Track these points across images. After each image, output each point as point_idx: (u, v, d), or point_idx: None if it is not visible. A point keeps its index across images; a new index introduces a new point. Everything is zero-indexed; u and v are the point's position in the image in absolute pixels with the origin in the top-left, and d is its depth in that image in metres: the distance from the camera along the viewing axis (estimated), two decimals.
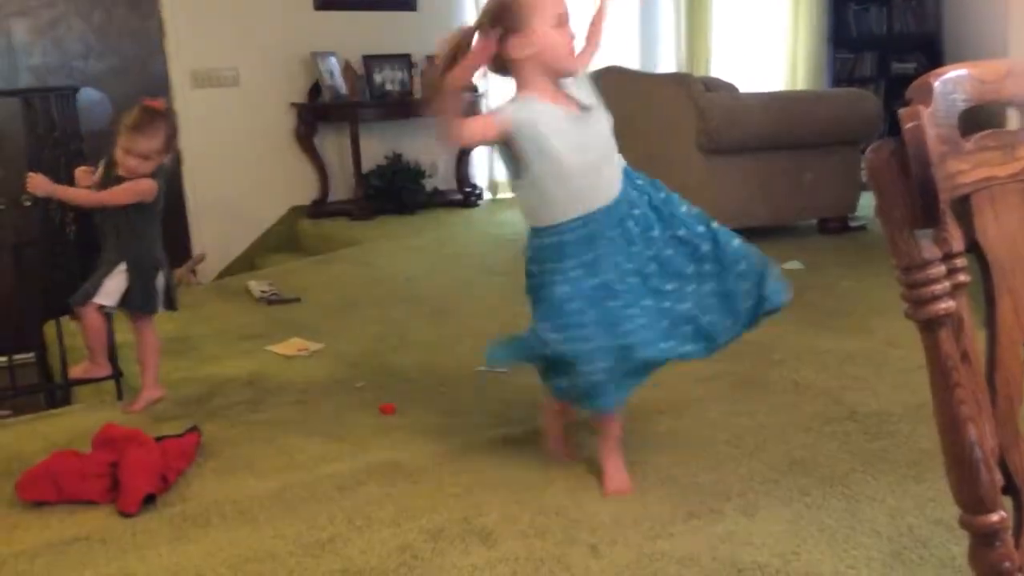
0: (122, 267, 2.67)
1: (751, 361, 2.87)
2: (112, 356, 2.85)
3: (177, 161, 5.52)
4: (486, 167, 6.56)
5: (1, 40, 5.12)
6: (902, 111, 0.73)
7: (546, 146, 1.91)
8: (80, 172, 2.74)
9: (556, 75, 1.96)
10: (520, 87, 1.97)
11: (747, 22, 7.21)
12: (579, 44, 2.00)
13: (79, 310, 2.70)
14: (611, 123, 2.02)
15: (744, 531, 1.83)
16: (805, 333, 3.17)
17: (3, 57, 5.12)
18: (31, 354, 3.86)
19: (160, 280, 2.75)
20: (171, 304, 2.82)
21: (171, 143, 2.70)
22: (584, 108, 1.96)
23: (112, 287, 2.67)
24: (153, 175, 2.66)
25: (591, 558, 1.76)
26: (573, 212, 1.96)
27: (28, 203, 2.78)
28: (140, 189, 2.65)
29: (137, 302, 2.72)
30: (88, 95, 4.04)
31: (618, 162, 2.04)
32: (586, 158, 1.95)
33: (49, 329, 3.60)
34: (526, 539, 1.85)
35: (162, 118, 2.66)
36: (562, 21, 1.93)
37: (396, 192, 5.95)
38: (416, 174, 6.09)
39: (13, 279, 3.13)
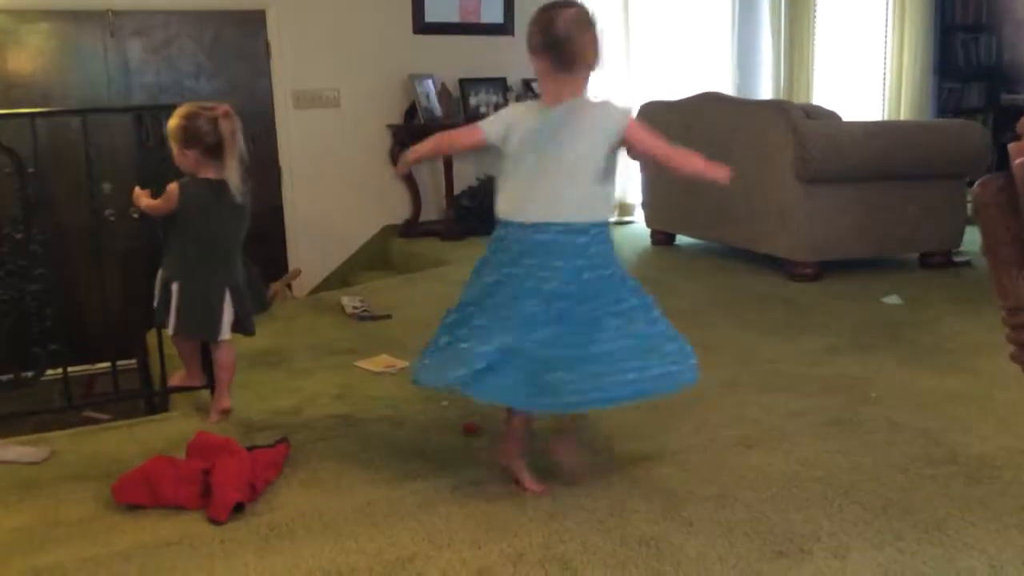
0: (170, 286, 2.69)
1: (845, 397, 2.79)
2: (207, 367, 2.94)
3: (277, 178, 5.69)
4: None
5: (119, 59, 5.36)
6: (1011, 145, 0.70)
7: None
8: (137, 193, 2.72)
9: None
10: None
11: (850, 49, 7.07)
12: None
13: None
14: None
15: (834, 573, 1.77)
16: (903, 370, 3.06)
17: (120, 75, 5.37)
18: (133, 361, 4.01)
19: (186, 299, 2.67)
20: (242, 327, 2.77)
21: (192, 142, 2.61)
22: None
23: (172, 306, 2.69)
24: (181, 183, 2.64)
25: None
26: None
27: (135, 215, 2.88)
28: (165, 194, 2.62)
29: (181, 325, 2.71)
30: None
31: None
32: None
33: (151, 337, 3.74)
34: (608, 568, 1.82)
35: (184, 119, 2.61)
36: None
37: (486, 213, 5.97)
38: None
39: (120, 288, 3.25)
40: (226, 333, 2.74)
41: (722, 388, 2.95)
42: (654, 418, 2.62)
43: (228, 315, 2.72)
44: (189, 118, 2.62)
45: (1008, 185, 0.70)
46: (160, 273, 2.73)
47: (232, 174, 2.63)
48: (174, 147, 2.66)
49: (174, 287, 2.68)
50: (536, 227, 2.10)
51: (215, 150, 2.63)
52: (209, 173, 2.66)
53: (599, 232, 2.13)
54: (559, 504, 2.12)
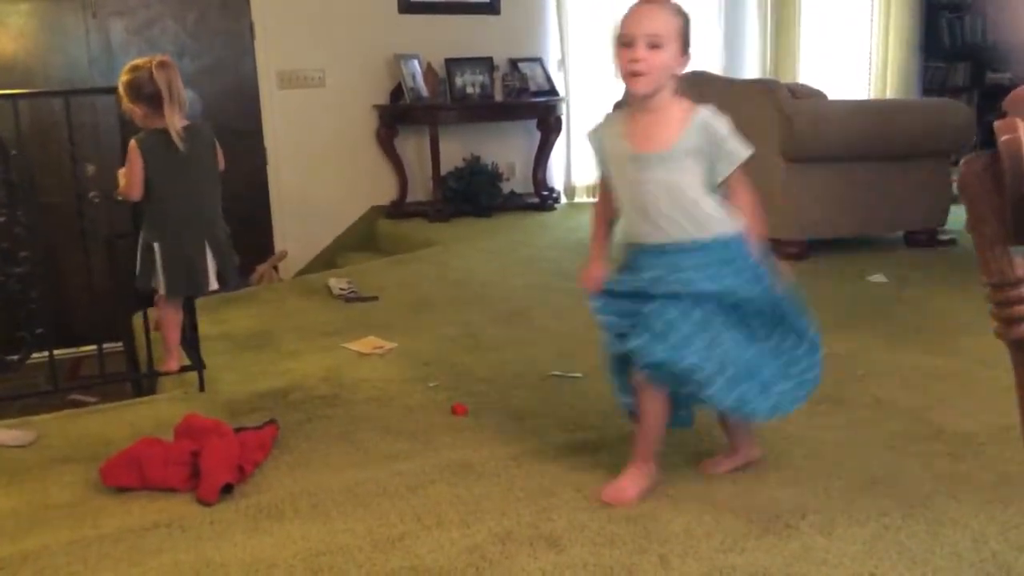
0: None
1: (832, 375, 2.79)
2: (195, 348, 2.93)
3: (263, 160, 5.66)
4: (563, 171, 6.55)
5: (100, 38, 5.31)
6: (997, 123, 0.70)
7: None
8: (120, 173, 2.77)
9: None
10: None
11: (835, 29, 7.07)
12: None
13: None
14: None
15: (820, 549, 1.79)
16: (889, 348, 3.08)
17: (103, 55, 5.32)
18: (120, 344, 3.99)
19: (169, 256, 2.73)
20: (223, 280, 2.83)
21: (136, 96, 2.66)
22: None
23: None
24: (137, 138, 2.69)
25: (660, 569, 1.74)
26: None
27: (120, 198, 2.87)
28: (128, 156, 2.70)
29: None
30: None
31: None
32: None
33: (137, 319, 3.73)
34: (595, 547, 1.83)
35: (127, 73, 2.69)
36: (625, 42, 1.93)
37: (473, 194, 5.99)
38: (493, 177, 6.12)
39: (105, 270, 3.24)
40: (213, 284, 2.80)
41: None
42: None
43: (212, 267, 2.77)
44: (132, 71, 2.69)
45: (993, 164, 0.70)
46: (141, 241, 2.77)
47: (171, 121, 2.66)
48: (126, 103, 2.71)
49: (156, 247, 2.72)
50: None
51: (157, 100, 2.66)
52: (158, 124, 2.70)
53: None
54: (547, 483, 2.13)
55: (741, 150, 1.94)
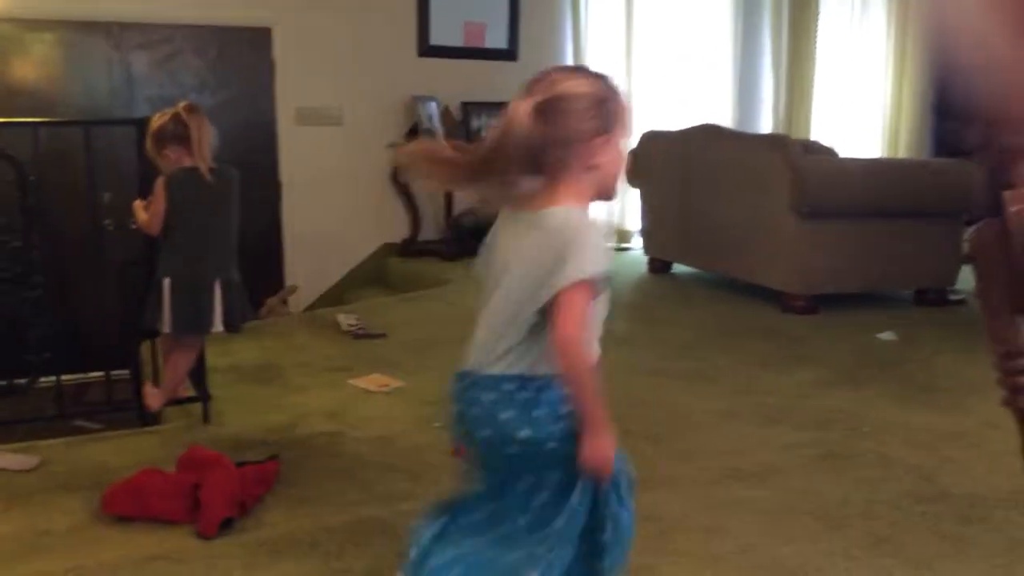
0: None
1: (838, 432, 2.79)
2: (202, 379, 2.93)
3: (276, 194, 5.71)
4: None
5: (122, 71, 5.38)
6: (1007, 193, 0.71)
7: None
8: (136, 206, 2.80)
9: (603, 196, 1.54)
10: (567, 194, 1.48)
11: (849, 86, 7.12)
12: None
13: None
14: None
15: None
16: (896, 406, 3.07)
17: (124, 87, 5.39)
18: (127, 371, 3.99)
19: (176, 292, 2.72)
20: (230, 322, 2.79)
21: (165, 143, 2.71)
22: None
23: None
24: (166, 175, 2.74)
25: None
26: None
27: (134, 226, 2.89)
28: (155, 192, 2.73)
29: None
30: None
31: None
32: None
33: (146, 348, 3.73)
34: None
35: (153, 133, 2.74)
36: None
37: (484, 234, 6.01)
38: None
39: (117, 298, 3.25)
40: (218, 325, 2.77)
41: (717, 418, 2.95)
42: (650, 447, 2.62)
43: (219, 307, 2.75)
44: (156, 127, 2.74)
45: (1003, 233, 0.71)
46: (155, 276, 2.77)
47: (200, 159, 2.72)
48: (156, 161, 2.75)
49: (165, 283, 2.72)
50: None
51: (186, 141, 2.72)
52: (187, 163, 2.74)
53: None
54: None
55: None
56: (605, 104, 1.47)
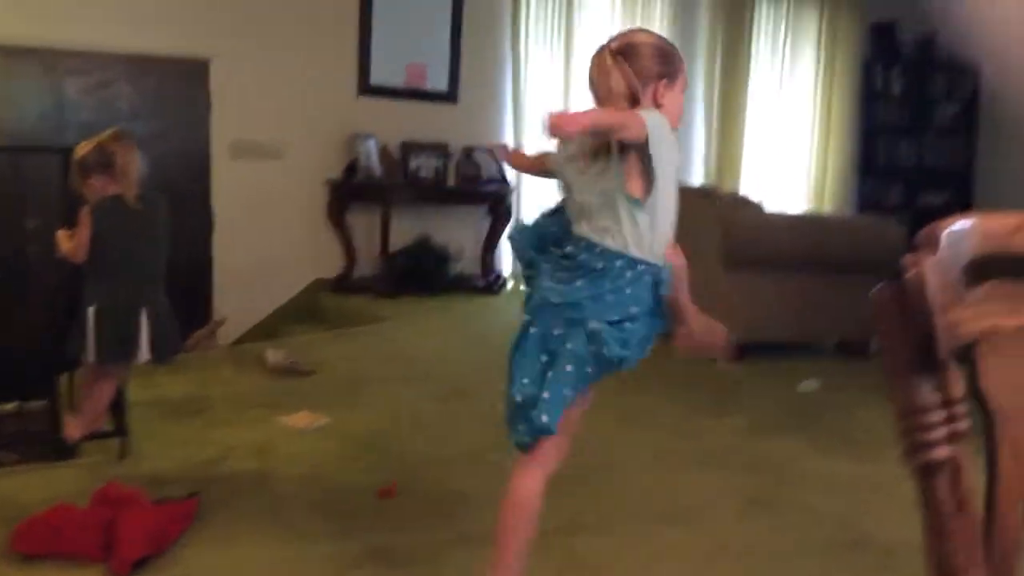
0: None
1: (762, 479, 2.84)
2: (121, 413, 2.87)
3: (209, 225, 5.63)
4: (511, 257, 6.62)
5: (53, 96, 5.29)
6: (907, 257, 0.75)
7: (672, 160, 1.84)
8: (60, 235, 2.75)
9: None
10: None
11: (778, 143, 7.34)
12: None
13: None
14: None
15: None
16: (819, 455, 3.13)
17: (54, 112, 5.28)
18: (45, 402, 3.87)
19: (102, 321, 2.68)
20: (158, 352, 2.77)
21: (89, 172, 2.71)
22: None
23: None
24: (91, 204, 2.71)
25: None
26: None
27: (58, 256, 2.84)
28: (79, 221, 2.71)
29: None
30: None
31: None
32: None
33: (63, 379, 3.63)
34: None
35: (76, 164, 2.73)
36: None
37: (422, 273, 6.01)
38: (442, 257, 6.16)
39: (36, 326, 3.17)
40: (145, 354, 2.74)
41: (646, 463, 2.98)
42: (580, 488, 2.63)
43: (146, 335, 2.71)
44: (79, 157, 2.73)
45: (901, 294, 0.75)
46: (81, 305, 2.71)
47: (126, 187, 2.72)
48: (81, 190, 2.73)
49: (90, 311, 2.68)
50: None
51: (110, 169, 2.71)
52: (113, 190, 2.72)
53: None
54: (471, 569, 2.11)
55: None
56: (668, 55, 1.87)
